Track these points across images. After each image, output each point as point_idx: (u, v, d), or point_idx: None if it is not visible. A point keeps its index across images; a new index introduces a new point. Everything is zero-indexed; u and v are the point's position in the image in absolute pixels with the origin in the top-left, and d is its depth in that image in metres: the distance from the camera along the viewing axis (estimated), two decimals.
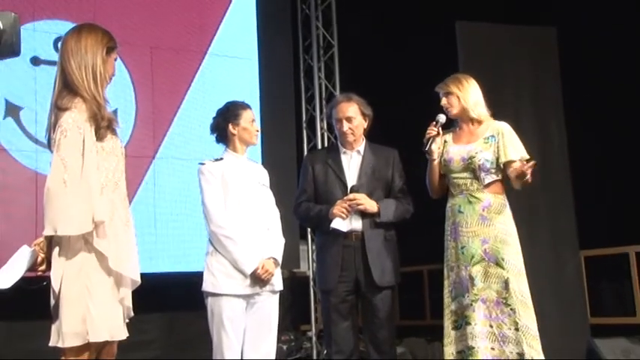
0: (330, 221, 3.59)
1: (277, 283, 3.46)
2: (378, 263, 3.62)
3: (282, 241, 3.52)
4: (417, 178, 3.89)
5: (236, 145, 3.51)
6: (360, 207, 3.61)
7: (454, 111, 3.63)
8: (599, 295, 5.96)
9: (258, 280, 3.34)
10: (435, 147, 3.61)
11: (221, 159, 3.50)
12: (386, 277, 3.64)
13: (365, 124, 3.76)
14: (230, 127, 3.48)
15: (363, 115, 3.74)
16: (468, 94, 3.60)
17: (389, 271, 3.65)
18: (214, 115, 3.58)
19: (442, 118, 3.61)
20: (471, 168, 3.55)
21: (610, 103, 5.70)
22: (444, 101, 3.64)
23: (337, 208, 3.59)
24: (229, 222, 3.36)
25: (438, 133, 3.60)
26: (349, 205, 3.59)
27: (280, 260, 3.46)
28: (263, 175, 3.61)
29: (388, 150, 3.84)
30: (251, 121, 3.52)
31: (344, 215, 3.58)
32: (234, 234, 3.34)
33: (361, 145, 3.78)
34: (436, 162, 3.65)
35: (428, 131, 3.59)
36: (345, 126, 3.71)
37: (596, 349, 5.30)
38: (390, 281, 3.66)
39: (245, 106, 3.56)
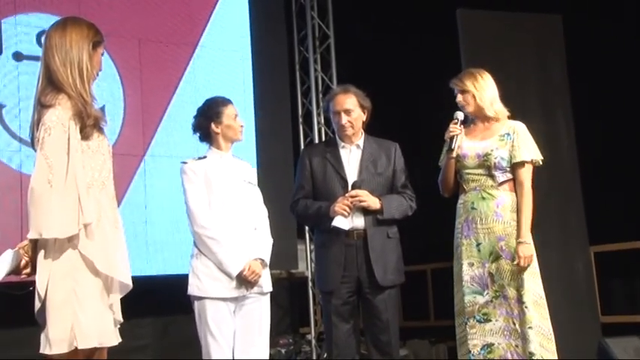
0: (331, 219, 3.47)
1: (266, 284, 3.39)
2: (381, 262, 3.52)
3: (270, 240, 3.46)
4: (420, 174, 3.82)
5: (220, 143, 3.44)
6: (363, 204, 3.50)
7: (470, 109, 3.58)
8: (611, 292, 5.88)
9: (244, 282, 3.28)
10: (457, 145, 3.54)
11: (204, 157, 3.43)
12: (389, 276, 3.54)
13: (364, 117, 3.66)
14: (213, 125, 3.42)
15: (362, 107, 3.64)
16: (484, 93, 3.55)
17: (392, 270, 3.56)
18: (195, 113, 3.49)
19: (461, 115, 3.56)
20: (487, 165, 3.50)
21: (618, 93, 5.61)
22: (459, 98, 3.58)
23: (339, 205, 3.47)
24: (213, 222, 3.30)
25: (460, 131, 3.55)
26: (351, 202, 3.46)
27: (268, 261, 3.40)
28: (249, 173, 3.53)
29: (389, 143, 3.73)
30: (234, 117, 3.43)
31: (346, 213, 3.46)
32: (219, 235, 3.28)
33: (360, 138, 3.68)
34: (453, 160, 3.57)
35: (451, 129, 3.53)
36: (344, 119, 3.60)
37: (607, 349, 5.24)
38: (392, 280, 3.57)
39: (226, 102, 3.46)
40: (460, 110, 3.57)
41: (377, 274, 3.49)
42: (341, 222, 3.45)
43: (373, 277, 3.50)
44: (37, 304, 2.36)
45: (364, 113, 3.65)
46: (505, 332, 3.38)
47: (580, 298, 5.37)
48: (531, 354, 3.30)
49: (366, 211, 3.52)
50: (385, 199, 3.56)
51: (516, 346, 3.36)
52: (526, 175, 3.48)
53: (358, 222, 3.52)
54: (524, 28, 5.63)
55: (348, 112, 3.59)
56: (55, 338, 2.32)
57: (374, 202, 3.51)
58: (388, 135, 3.79)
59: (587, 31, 5.70)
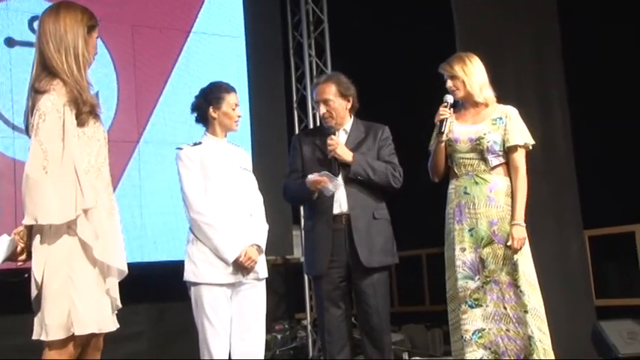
0: (311, 192, 3.50)
1: (262, 270, 3.39)
2: (366, 243, 3.52)
3: (266, 226, 3.47)
4: (414, 159, 3.77)
5: (216, 128, 3.44)
6: (336, 149, 3.51)
7: (460, 94, 3.57)
8: (605, 276, 5.88)
9: (241, 268, 3.28)
10: (447, 129, 3.52)
11: (199, 143, 3.42)
12: (375, 257, 3.53)
13: (346, 105, 3.67)
14: (211, 110, 3.40)
15: (343, 96, 3.66)
16: (473, 79, 3.53)
17: (378, 250, 3.55)
18: (197, 93, 3.47)
19: (450, 98, 3.54)
20: (479, 149, 3.50)
21: (614, 78, 5.56)
22: (449, 84, 3.57)
23: (310, 184, 3.47)
24: (209, 208, 3.30)
25: (450, 114, 3.53)
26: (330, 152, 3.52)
27: (264, 247, 3.40)
28: (244, 159, 3.52)
29: (377, 126, 3.75)
30: (233, 107, 3.42)
31: (323, 183, 3.45)
32: (215, 221, 3.28)
33: (348, 123, 3.71)
34: (443, 144, 3.56)
35: (440, 113, 3.50)
36: (323, 109, 3.66)
37: (601, 332, 5.24)
38: (379, 261, 3.55)
39: (229, 89, 3.44)
40: (450, 95, 3.55)
41: (361, 255, 3.49)
42: (329, 190, 3.46)
43: (359, 259, 3.49)
44: (34, 291, 2.37)
45: (347, 101, 3.66)
46: (495, 317, 3.39)
47: (574, 282, 5.35)
48: (531, 337, 3.32)
49: (348, 193, 3.52)
50: (360, 156, 3.56)
51: (507, 330, 3.38)
52: (520, 159, 3.49)
53: (343, 206, 3.54)
54: (519, 13, 5.59)
55: (326, 102, 3.63)
56: (51, 324, 2.32)
57: (345, 154, 3.53)
58: (381, 118, 3.79)
59: (584, 13, 5.66)
